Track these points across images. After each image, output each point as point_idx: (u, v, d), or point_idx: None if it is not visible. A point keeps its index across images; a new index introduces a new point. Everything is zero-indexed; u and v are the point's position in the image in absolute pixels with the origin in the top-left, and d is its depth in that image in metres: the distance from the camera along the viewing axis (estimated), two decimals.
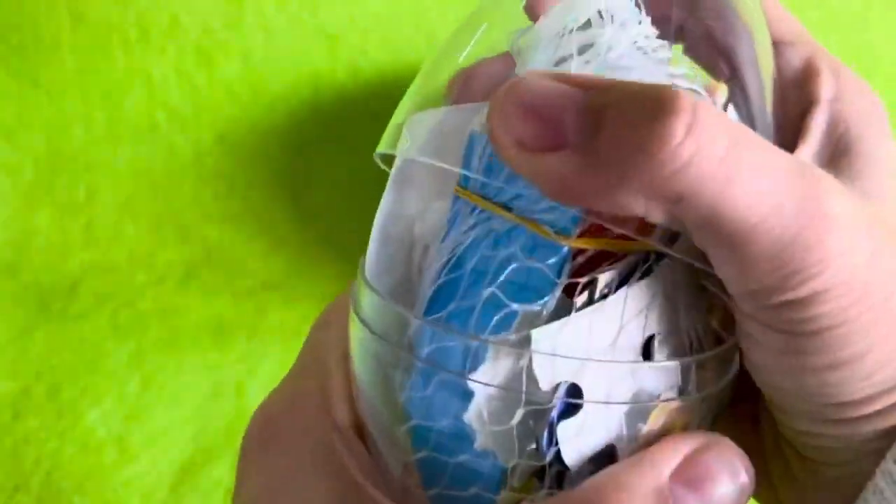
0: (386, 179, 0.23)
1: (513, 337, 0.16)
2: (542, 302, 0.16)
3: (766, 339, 0.18)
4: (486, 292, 0.17)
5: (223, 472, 0.43)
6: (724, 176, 0.16)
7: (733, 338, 0.19)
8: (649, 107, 0.15)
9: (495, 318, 0.17)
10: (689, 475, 0.17)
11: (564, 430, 0.16)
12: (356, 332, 0.19)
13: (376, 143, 0.54)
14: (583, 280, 0.17)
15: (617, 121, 0.16)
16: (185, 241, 0.53)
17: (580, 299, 0.17)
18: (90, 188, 0.52)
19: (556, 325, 0.16)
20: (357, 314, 0.19)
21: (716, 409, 0.19)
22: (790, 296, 0.17)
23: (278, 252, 0.51)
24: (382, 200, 0.21)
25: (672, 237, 0.18)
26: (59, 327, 0.48)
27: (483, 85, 0.21)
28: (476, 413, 0.17)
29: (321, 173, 0.53)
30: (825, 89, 0.21)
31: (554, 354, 0.16)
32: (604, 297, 0.17)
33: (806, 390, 0.18)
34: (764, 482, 0.23)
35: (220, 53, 0.48)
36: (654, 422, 0.17)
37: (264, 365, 0.46)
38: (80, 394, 0.45)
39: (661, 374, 0.17)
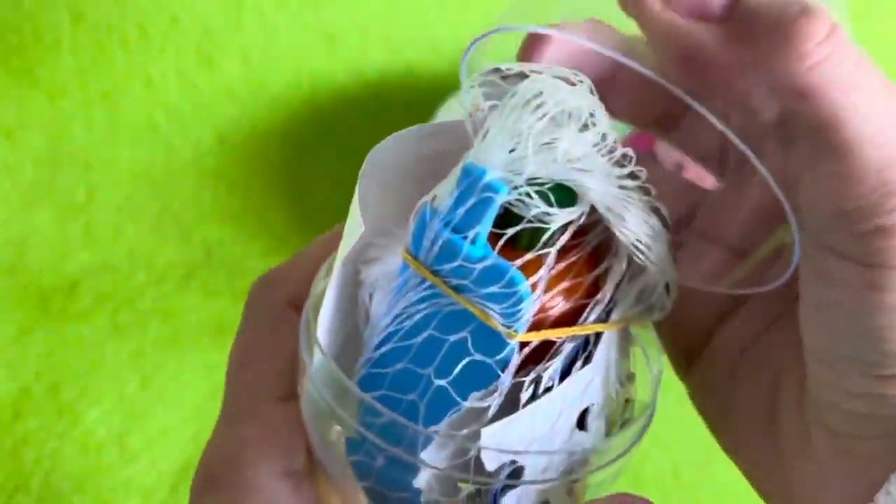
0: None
1: (463, 432, 0.18)
2: (489, 401, 0.17)
3: (845, 275, 0.18)
4: (436, 383, 0.18)
5: None
6: (853, 82, 0.17)
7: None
8: (798, 6, 0.17)
9: (445, 411, 0.18)
10: None
11: (507, 501, 0.18)
12: (304, 381, 0.20)
13: (376, 143, 0.54)
14: (528, 378, 0.18)
15: (769, 9, 0.18)
16: (184, 241, 0.53)
17: (525, 396, 0.18)
18: (90, 188, 0.52)
19: (502, 423, 0.17)
20: (305, 361, 0.20)
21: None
22: (885, 220, 0.17)
23: (278, 252, 0.51)
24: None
25: (608, 314, 0.19)
26: (58, 327, 0.48)
27: (557, 53, 0.21)
28: (426, 483, 0.18)
29: (321, 173, 0.53)
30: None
31: (500, 450, 0.17)
32: (548, 390, 0.18)
33: (873, 333, 0.18)
34: (778, 482, 0.22)
35: (219, 53, 0.48)
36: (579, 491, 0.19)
37: None
38: (80, 394, 0.45)
39: (582, 448, 0.19)
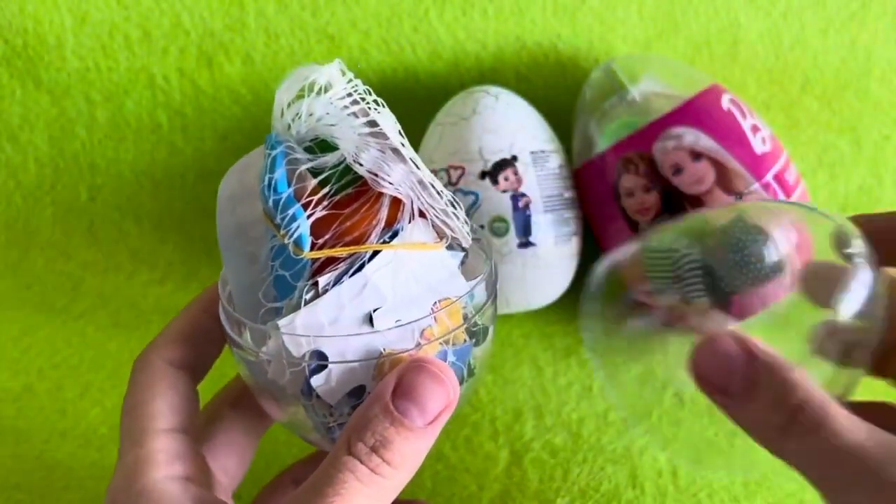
0: None
1: (275, 323, 0.24)
2: (290, 298, 0.24)
3: None
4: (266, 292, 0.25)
5: None
6: (803, 460, 0.23)
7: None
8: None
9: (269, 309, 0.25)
10: (403, 390, 0.24)
11: (316, 381, 0.24)
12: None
13: None
14: (309, 282, 0.24)
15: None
16: (186, 241, 0.53)
17: (308, 296, 0.24)
18: (92, 188, 0.52)
19: (291, 315, 0.24)
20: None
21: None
22: None
23: None
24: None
25: (392, 236, 0.25)
26: (61, 326, 0.49)
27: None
28: (271, 371, 0.25)
29: None
30: None
31: (293, 334, 0.24)
32: (325, 291, 0.24)
33: None
34: None
35: (221, 54, 0.48)
36: (388, 368, 0.25)
37: None
38: (82, 392, 0.45)
39: (378, 338, 0.24)
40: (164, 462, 0.26)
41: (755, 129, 0.44)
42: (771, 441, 0.23)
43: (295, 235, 0.24)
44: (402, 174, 0.24)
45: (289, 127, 0.25)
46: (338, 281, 0.24)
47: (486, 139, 0.43)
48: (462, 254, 0.27)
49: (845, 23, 0.50)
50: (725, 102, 0.44)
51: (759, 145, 0.43)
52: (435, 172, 0.43)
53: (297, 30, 0.48)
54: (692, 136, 0.43)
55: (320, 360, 0.24)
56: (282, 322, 0.24)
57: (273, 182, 0.24)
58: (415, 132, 0.48)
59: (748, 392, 0.23)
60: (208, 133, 0.51)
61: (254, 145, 0.54)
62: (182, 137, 0.51)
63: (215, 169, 0.52)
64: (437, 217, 0.25)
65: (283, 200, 0.24)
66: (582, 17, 0.49)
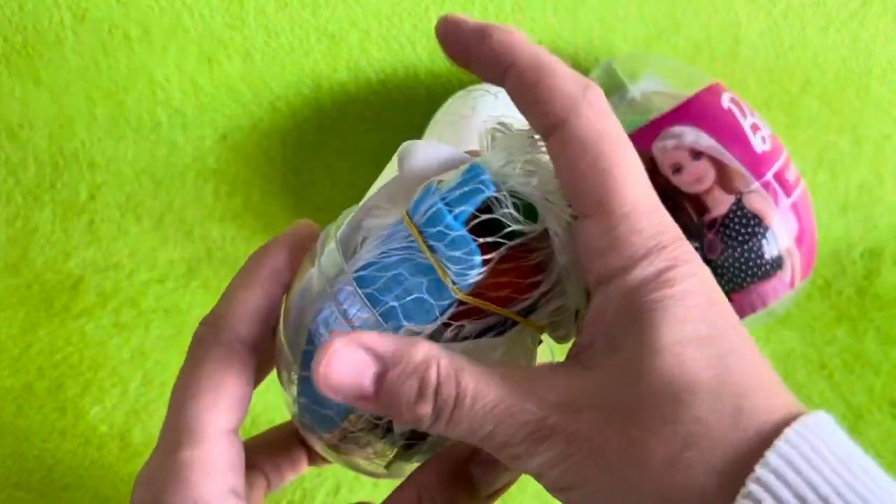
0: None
1: None
2: (422, 327, 0.24)
3: None
4: (391, 303, 0.24)
5: None
6: (455, 432, 0.22)
7: None
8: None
9: (390, 324, 0.24)
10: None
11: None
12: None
13: (376, 142, 0.55)
14: (455, 323, 0.24)
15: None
16: (186, 240, 0.53)
17: (448, 335, 0.24)
18: (92, 186, 0.52)
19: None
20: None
21: None
22: None
23: None
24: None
25: (529, 310, 0.24)
26: (61, 325, 0.49)
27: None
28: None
29: (321, 172, 0.53)
30: (610, 263, 0.22)
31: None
32: (465, 338, 0.24)
33: None
34: None
35: (221, 52, 0.48)
36: None
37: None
38: (82, 391, 0.45)
39: None
40: (222, 472, 0.24)
41: (755, 127, 0.44)
42: (429, 429, 0.22)
43: (463, 276, 0.23)
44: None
45: (499, 168, 0.24)
46: (480, 334, 0.24)
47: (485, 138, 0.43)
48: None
49: (846, 22, 0.50)
50: (725, 101, 0.44)
51: (759, 144, 0.43)
52: None
53: (297, 28, 0.48)
54: (692, 135, 0.43)
55: None
56: None
57: (461, 214, 0.23)
58: (414, 131, 0.48)
59: (388, 393, 0.22)
60: (208, 131, 0.51)
61: (254, 144, 0.54)
62: (182, 135, 0.51)
63: (215, 167, 0.52)
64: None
65: (460, 236, 0.23)
66: (582, 15, 0.49)
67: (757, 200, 0.42)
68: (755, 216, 0.42)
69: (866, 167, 0.54)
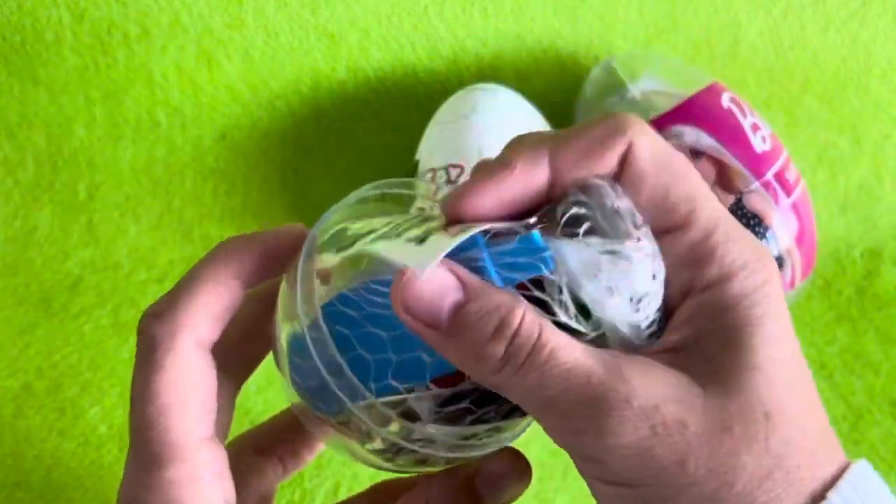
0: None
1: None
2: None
3: None
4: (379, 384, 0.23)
5: None
6: (521, 384, 0.21)
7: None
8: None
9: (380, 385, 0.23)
10: None
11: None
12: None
13: (376, 142, 0.54)
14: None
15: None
16: (185, 239, 0.53)
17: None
18: (91, 186, 0.52)
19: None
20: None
21: None
22: None
23: None
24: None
25: None
26: (60, 325, 0.48)
27: None
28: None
29: (321, 171, 0.53)
30: (707, 273, 0.22)
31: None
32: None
33: None
34: None
35: (220, 52, 0.48)
36: None
37: (264, 361, 0.46)
38: (81, 391, 0.45)
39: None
40: (211, 484, 0.23)
41: (755, 127, 0.44)
42: (488, 376, 0.21)
43: None
44: None
45: (577, 267, 0.22)
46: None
47: (485, 138, 0.43)
48: None
49: (845, 21, 0.50)
50: (725, 101, 0.44)
51: (759, 144, 0.43)
52: (434, 171, 0.43)
53: (297, 28, 0.48)
54: (692, 135, 0.43)
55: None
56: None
57: (510, 281, 0.22)
58: (414, 131, 0.48)
59: (461, 325, 0.21)
60: (207, 131, 0.51)
61: (253, 143, 0.54)
62: (181, 135, 0.51)
63: (214, 167, 0.52)
64: None
65: None
66: (582, 15, 0.49)
67: (757, 200, 0.42)
68: (755, 216, 0.42)
69: (866, 167, 0.54)
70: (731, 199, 0.42)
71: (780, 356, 0.21)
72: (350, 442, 0.25)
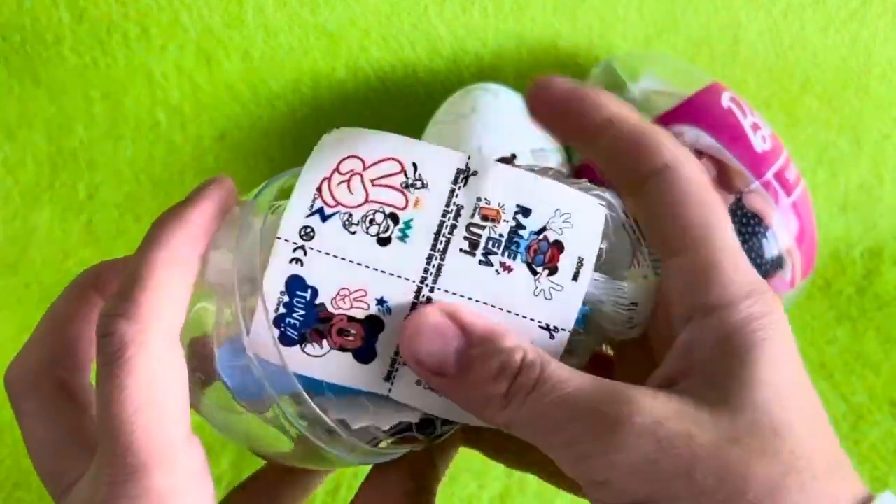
0: None
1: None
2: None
3: None
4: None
5: (224, 467, 0.43)
6: (527, 418, 0.21)
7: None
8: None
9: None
10: None
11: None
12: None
13: None
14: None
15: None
16: None
17: None
18: (91, 186, 0.52)
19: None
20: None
21: None
22: None
23: None
24: None
25: None
26: None
27: None
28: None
29: None
30: (712, 299, 0.22)
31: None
32: None
33: None
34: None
35: (220, 52, 0.48)
36: None
37: None
38: None
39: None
40: (199, 484, 0.22)
41: (755, 127, 0.44)
42: (494, 415, 0.21)
43: None
44: None
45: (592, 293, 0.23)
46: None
47: (485, 137, 0.43)
48: None
49: (846, 21, 0.50)
50: (725, 100, 0.44)
51: (759, 143, 0.43)
52: None
53: (296, 27, 0.48)
54: (692, 135, 0.43)
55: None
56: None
57: None
58: (414, 130, 0.48)
59: (466, 369, 0.22)
60: (207, 130, 0.51)
61: (253, 143, 0.54)
62: (181, 135, 0.51)
63: (214, 166, 0.52)
64: None
65: None
66: (582, 14, 0.49)
67: (757, 200, 0.42)
68: (755, 216, 0.42)
69: (866, 167, 0.54)
70: (731, 198, 0.42)
71: (787, 377, 0.21)
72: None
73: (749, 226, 0.42)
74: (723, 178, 0.42)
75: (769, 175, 0.43)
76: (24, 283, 0.51)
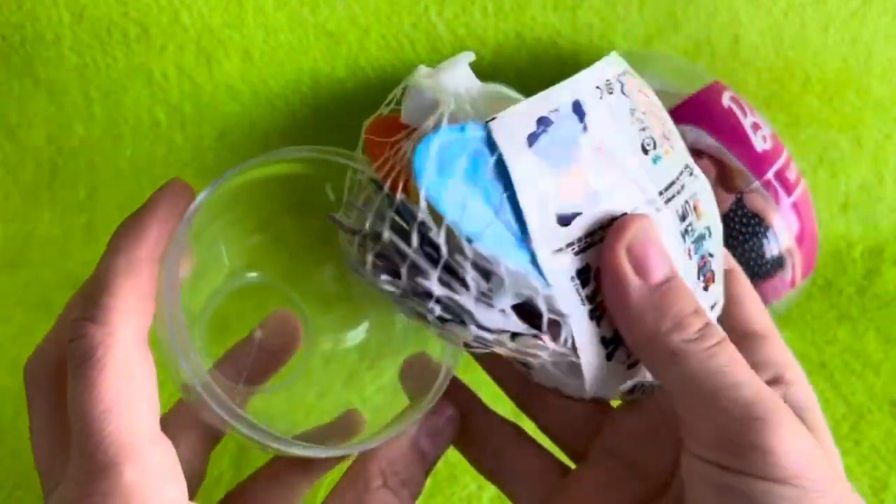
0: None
1: None
2: None
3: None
4: None
5: (224, 467, 0.43)
6: (708, 360, 0.22)
7: None
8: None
9: None
10: None
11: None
12: None
13: None
14: None
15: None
16: None
17: None
18: (91, 186, 0.52)
19: None
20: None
21: None
22: None
23: None
24: None
25: None
26: None
27: None
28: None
29: None
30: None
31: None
32: None
33: None
34: None
35: (220, 51, 0.48)
36: None
37: None
38: None
39: None
40: (168, 478, 0.22)
41: (756, 126, 0.44)
42: (682, 341, 0.22)
43: None
44: None
45: None
46: None
47: None
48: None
49: (846, 21, 0.50)
50: (726, 100, 0.44)
51: (759, 143, 0.43)
52: None
53: (296, 27, 0.48)
54: (693, 134, 0.43)
55: None
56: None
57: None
58: None
59: (674, 290, 0.23)
60: (207, 130, 0.51)
61: (252, 143, 0.53)
62: (181, 134, 0.51)
63: (213, 166, 0.52)
64: None
65: None
66: (582, 13, 0.49)
67: (758, 200, 0.42)
68: (756, 215, 0.42)
69: (867, 166, 0.54)
70: (732, 198, 0.42)
71: None
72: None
73: (749, 226, 0.42)
74: (723, 178, 0.42)
75: (770, 175, 0.43)
76: (24, 283, 0.51)
